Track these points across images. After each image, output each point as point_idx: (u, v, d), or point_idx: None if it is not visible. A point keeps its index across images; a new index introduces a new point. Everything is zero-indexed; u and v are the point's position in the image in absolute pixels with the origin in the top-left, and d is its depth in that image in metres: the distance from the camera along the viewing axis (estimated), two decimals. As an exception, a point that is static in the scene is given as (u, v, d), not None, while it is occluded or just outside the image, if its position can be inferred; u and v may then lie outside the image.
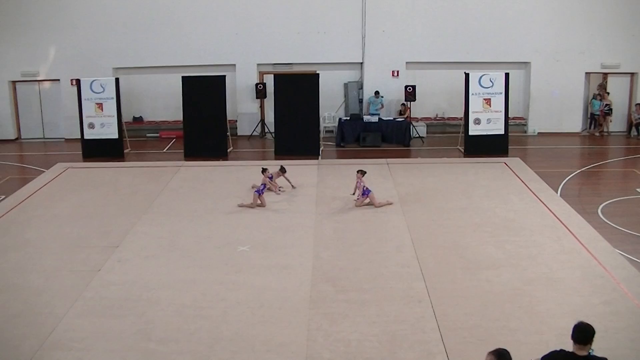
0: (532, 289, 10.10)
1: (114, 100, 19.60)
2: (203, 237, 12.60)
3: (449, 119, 22.59)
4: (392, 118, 21.45)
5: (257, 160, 19.09)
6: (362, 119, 21.07)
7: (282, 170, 15.26)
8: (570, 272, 10.70)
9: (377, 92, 21.55)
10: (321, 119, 20.67)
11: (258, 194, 14.10)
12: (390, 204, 14.04)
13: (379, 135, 20.80)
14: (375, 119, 21.05)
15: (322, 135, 20.54)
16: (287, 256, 11.57)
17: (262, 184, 14.42)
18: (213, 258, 11.58)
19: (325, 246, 12.02)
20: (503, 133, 19.41)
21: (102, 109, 19.58)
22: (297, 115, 19.34)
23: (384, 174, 17.03)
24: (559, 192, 15.31)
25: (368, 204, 14.02)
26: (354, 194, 14.31)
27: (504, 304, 9.60)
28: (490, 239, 12.28)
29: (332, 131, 22.14)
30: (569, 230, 12.65)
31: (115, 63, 22.04)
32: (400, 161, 18.55)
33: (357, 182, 14.10)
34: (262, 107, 22.40)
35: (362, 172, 14.09)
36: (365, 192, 13.97)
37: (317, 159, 18.84)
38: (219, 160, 19.00)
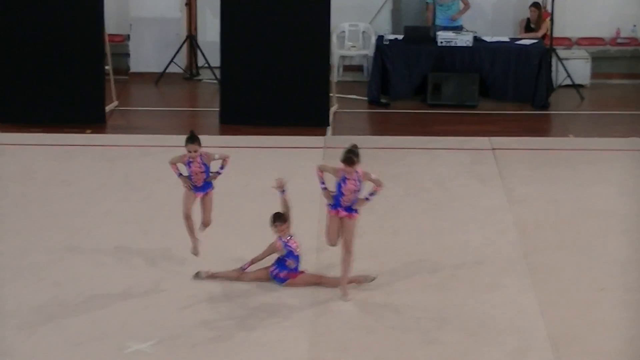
0: None
1: None
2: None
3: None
4: (506, 39, 18.57)
5: (174, 135, 15.68)
6: (434, 39, 17.97)
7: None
8: None
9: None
10: (334, 40, 18.41)
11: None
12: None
13: (474, 79, 17.74)
14: (465, 40, 17.92)
15: (336, 77, 17.84)
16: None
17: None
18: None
19: (339, 346, 10.31)
20: None
21: None
22: (276, 31, 16.82)
23: (486, 174, 15.20)
24: None
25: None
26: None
27: None
28: None
29: (360, 68, 19.61)
30: None
31: None
32: (525, 144, 16.39)
33: (353, 177, 11.36)
34: (190, 5, 19.83)
35: (352, 160, 11.12)
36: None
37: (324, 134, 16.51)
38: (84, 132, 16.85)
